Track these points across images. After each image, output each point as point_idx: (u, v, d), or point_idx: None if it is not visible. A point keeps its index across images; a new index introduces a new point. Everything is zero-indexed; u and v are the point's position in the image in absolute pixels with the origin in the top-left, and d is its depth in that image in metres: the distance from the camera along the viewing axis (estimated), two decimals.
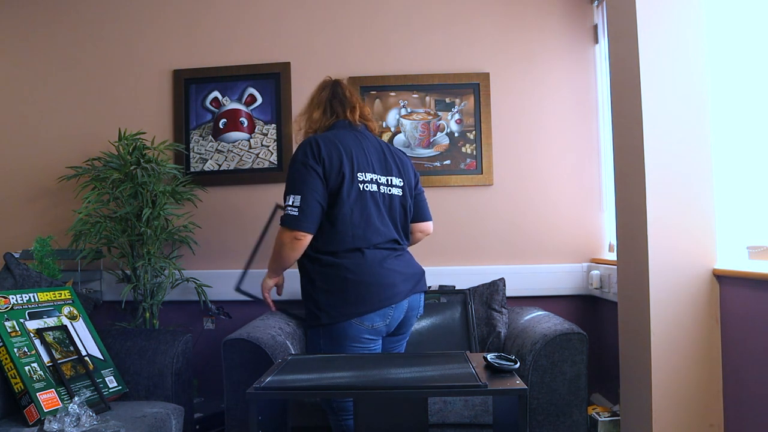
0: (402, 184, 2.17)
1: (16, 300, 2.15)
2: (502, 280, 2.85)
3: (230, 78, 3.19)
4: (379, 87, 3.13)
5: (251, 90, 3.19)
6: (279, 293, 2.32)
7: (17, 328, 2.06)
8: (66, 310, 2.29)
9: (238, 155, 3.17)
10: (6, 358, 1.98)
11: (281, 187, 3.11)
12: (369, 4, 3.17)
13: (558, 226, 3.08)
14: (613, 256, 2.78)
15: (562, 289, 3.03)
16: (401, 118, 3.13)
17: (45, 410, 1.92)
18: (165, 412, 2.13)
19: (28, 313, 2.15)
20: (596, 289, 2.92)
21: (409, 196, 2.19)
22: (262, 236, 2.71)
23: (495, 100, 3.11)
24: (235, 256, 3.13)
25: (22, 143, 3.25)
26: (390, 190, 2.13)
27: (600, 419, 2.51)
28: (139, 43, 3.23)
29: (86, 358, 2.18)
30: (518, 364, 1.53)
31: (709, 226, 2.06)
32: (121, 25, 3.24)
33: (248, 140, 3.18)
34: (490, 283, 2.85)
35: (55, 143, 3.22)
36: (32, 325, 2.12)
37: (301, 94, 3.14)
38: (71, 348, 2.16)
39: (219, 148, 3.18)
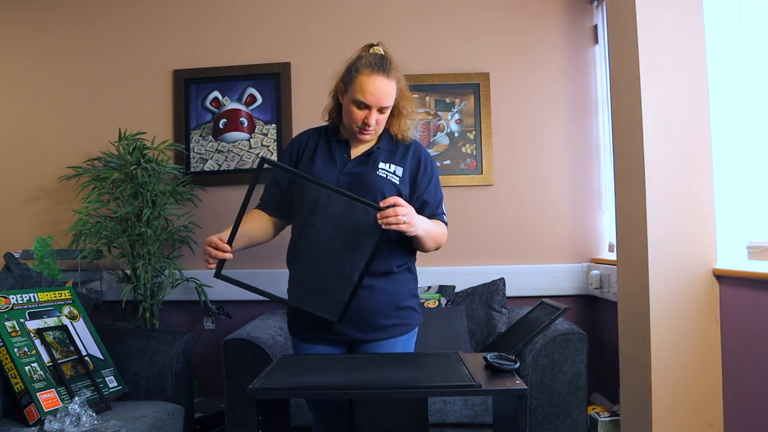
0: None
1: (17, 300, 2.15)
2: (502, 280, 2.85)
3: (230, 78, 3.18)
4: None
5: (251, 90, 3.19)
6: None
7: (17, 328, 2.06)
8: (66, 310, 2.29)
9: (238, 155, 3.17)
10: (6, 358, 1.98)
11: None
12: (369, 4, 3.17)
13: (558, 226, 3.08)
14: (613, 256, 2.78)
15: (562, 289, 3.03)
16: None
17: (45, 410, 1.93)
18: (165, 412, 2.13)
19: (29, 313, 2.15)
20: (596, 289, 2.92)
21: None
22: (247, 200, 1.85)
23: (495, 100, 3.11)
24: (235, 256, 3.12)
25: (22, 143, 3.25)
26: None
27: (600, 419, 2.51)
28: (139, 43, 3.23)
29: (86, 358, 2.18)
30: (518, 364, 1.53)
31: (709, 226, 2.06)
32: (121, 25, 3.24)
33: (248, 140, 3.18)
34: (490, 283, 2.85)
35: (55, 143, 3.22)
36: (32, 325, 2.12)
37: (301, 94, 3.15)
38: (71, 348, 2.16)
39: (219, 148, 3.18)
